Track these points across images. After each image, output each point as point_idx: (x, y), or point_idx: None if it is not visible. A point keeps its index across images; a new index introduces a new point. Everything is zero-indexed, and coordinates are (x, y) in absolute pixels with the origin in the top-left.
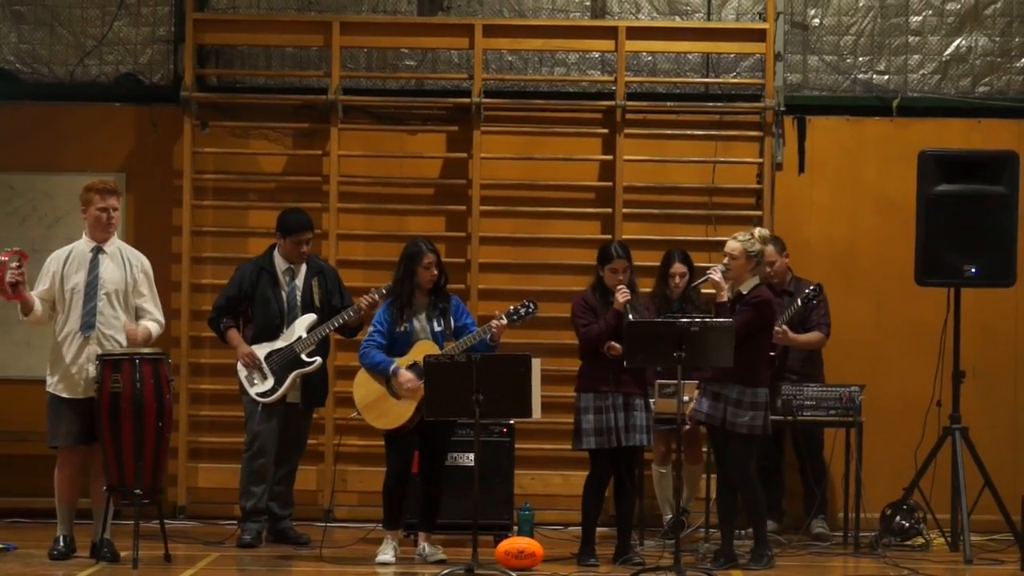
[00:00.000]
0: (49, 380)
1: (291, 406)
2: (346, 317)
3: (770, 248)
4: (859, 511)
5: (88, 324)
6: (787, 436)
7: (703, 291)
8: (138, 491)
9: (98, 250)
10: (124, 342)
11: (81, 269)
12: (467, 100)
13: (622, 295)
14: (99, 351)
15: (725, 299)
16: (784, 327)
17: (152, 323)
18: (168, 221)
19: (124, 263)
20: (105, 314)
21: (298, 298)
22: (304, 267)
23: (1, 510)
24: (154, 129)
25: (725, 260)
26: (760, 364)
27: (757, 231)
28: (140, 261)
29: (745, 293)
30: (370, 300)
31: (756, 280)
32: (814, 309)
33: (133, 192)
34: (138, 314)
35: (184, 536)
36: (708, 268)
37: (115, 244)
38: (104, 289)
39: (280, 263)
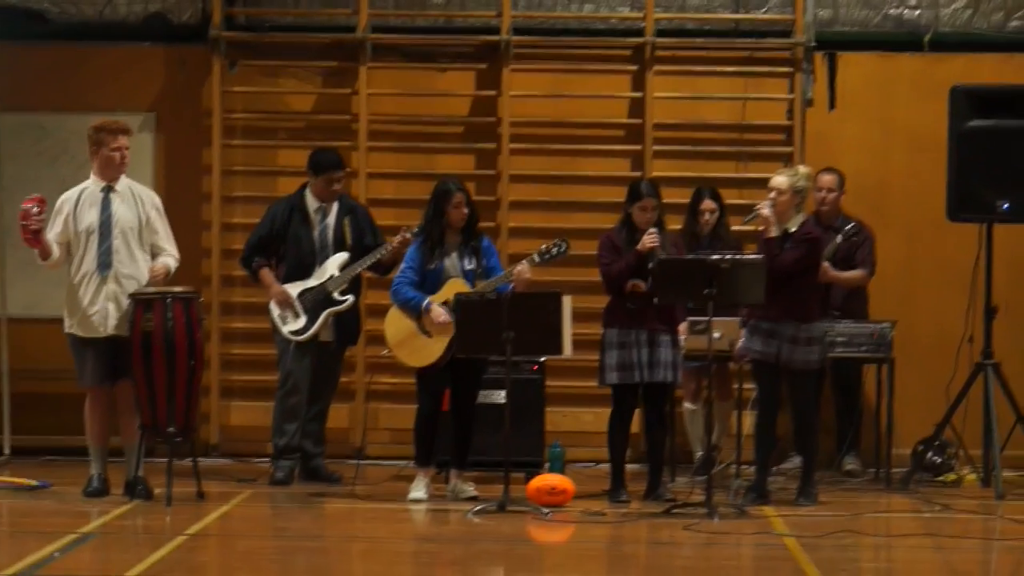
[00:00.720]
0: (68, 321)
1: (323, 345)
2: (379, 255)
3: (829, 177)
4: (891, 447)
5: (105, 263)
6: (827, 373)
7: (752, 228)
8: (171, 429)
9: (108, 189)
10: (142, 280)
11: (93, 209)
12: (496, 38)
13: (650, 240)
14: (117, 290)
15: (773, 235)
16: (825, 264)
17: (168, 259)
18: (198, 161)
19: (135, 201)
20: (121, 253)
21: (330, 237)
22: (336, 206)
23: (35, 448)
24: (183, 69)
25: (771, 195)
26: (812, 299)
27: (802, 167)
28: (151, 198)
29: (793, 230)
30: (401, 239)
31: (802, 217)
32: (859, 247)
33: (163, 132)
34: (153, 251)
35: (217, 474)
36: (756, 204)
37: (124, 183)
38: (118, 228)
39: (312, 202)
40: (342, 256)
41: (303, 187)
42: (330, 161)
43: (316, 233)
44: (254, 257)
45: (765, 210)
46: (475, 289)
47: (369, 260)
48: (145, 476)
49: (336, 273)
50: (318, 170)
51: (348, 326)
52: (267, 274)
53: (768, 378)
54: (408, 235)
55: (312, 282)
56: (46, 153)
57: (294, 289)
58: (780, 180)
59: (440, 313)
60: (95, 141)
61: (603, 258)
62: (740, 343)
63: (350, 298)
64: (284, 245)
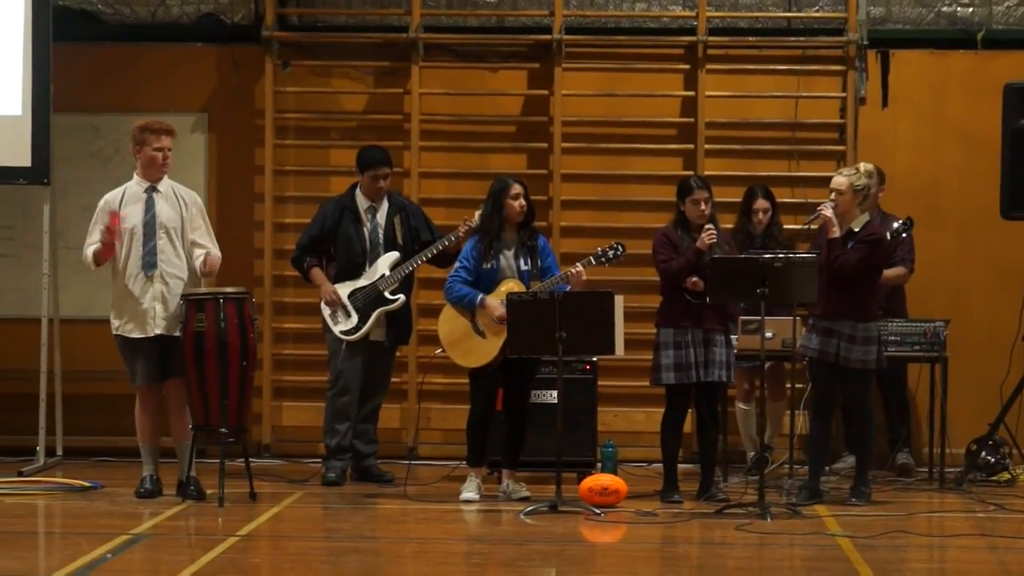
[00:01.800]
0: (116, 323)
1: (375, 344)
2: (443, 244)
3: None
4: (944, 447)
5: (150, 263)
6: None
7: (807, 227)
8: (223, 430)
9: (152, 189)
10: (186, 277)
11: (137, 209)
12: (548, 37)
13: (708, 236)
14: (164, 289)
15: (837, 235)
16: None
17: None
18: (250, 161)
19: (178, 201)
20: (166, 252)
21: (380, 236)
22: (385, 205)
23: (87, 449)
24: (236, 69)
25: (832, 196)
26: (872, 299)
27: (863, 165)
28: (193, 198)
29: (858, 230)
30: (466, 228)
31: (866, 217)
32: (900, 244)
33: (215, 132)
34: (194, 248)
35: (269, 474)
36: (819, 205)
37: (167, 183)
38: (162, 228)
39: (362, 201)
40: (393, 255)
41: (353, 186)
42: (375, 158)
43: (366, 232)
44: (305, 257)
45: (827, 211)
46: (530, 290)
47: (435, 249)
48: (197, 477)
49: (387, 272)
50: (364, 167)
51: (400, 326)
52: (318, 274)
53: (824, 377)
54: (466, 228)
55: (363, 282)
56: (99, 154)
57: (345, 289)
58: (839, 180)
59: (496, 306)
60: (138, 141)
61: (660, 255)
62: (801, 341)
63: (401, 297)
64: (335, 244)
